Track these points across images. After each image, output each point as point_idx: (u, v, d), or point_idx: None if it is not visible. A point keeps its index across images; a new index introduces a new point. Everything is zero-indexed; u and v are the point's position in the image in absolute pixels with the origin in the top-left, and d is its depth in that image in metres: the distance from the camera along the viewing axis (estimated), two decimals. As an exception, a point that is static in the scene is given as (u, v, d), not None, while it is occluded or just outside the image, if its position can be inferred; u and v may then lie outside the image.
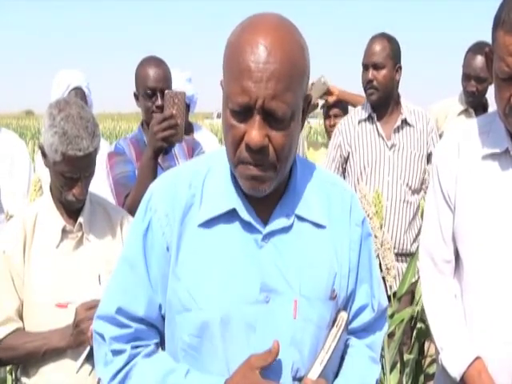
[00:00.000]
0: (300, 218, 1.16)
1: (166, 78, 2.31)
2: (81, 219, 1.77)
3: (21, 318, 1.75)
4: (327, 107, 3.62)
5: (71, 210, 1.78)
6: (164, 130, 1.96)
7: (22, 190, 2.74)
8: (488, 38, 1.46)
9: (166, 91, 2.01)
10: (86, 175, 1.71)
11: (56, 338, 1.67)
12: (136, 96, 2.39)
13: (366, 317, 1.26)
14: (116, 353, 1.15)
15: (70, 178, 1.69)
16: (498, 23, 1.38)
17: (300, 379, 1.12)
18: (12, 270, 1.72)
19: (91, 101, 3.26)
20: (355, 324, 1.25)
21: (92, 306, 1.62)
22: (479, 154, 1.52)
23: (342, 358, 1.24)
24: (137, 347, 1.16)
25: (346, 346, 1.25)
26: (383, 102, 2.88)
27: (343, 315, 1.18)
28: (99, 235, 1.81)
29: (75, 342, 1.67)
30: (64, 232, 1.76)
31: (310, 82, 3.51)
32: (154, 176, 2.02)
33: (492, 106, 2.89)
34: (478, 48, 3.15)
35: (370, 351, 1.27)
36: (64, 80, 3.17)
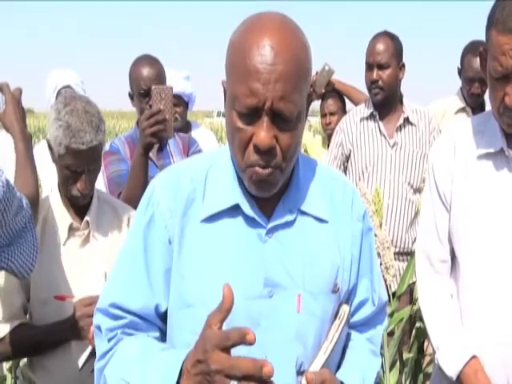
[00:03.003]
0: (302, 213, 1.16)
1: (159, 77, 2.30)
2: (87, 217, 1.79)
3: (26, 314, 1.77)
4: (321, 98, 3.62)
5: (78, 207, 1.80)
6: (152, 125, 1.96)
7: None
8: (479, 36, 1.47)
9: (153, 87, 2.00)
10: (90, 169, 1.72)
11: (59, 329, 1.69)
12: (131, 96, 2.38)
13: (366, 311, 1.27)
14: (110, 339, 1.14)
15: (74, 171, 1.70)
16: (492, 23, 1.38)
17: (304, 373, 1.12)
18: None
19: None
20: (356, 318, 1.26)
21: (91, 302, 1.64)
22: (474, 154, 1.52)
23: (344, 352, 1.24)
24: (129, 334, 1.14)
25: (347, 340, 1.26)
26: (388, 101, 2.89)
27: (345, 308, 1.19)
28: (106, 233, 1.82)
29: (76, 336, 1.68)
30: (71, 229, 1.78)
31: (314, 72, 3.52)
32: (146, 173, 2.04)
33: (489, 105, 2.89)
34: (475, 49, 3.13)
35: (370, 345, 1.28)
36: (52, 80, 3.16)
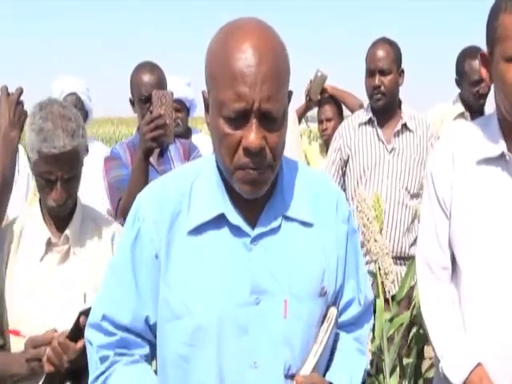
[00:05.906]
0: (288, 218, 1.17)
1: (160, 84, 2.31)
2: (67, 231, 1.67)
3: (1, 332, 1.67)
4: (318, 104, 3.65)
5: (59, 221, 1.68)
6: (152, 130, 1.96)
7: (19, 195, 2.72)
8: (476, 43, 1.48)
9: (154, 91, 2.00)
10: (65, 178, 1.59)
11: (16, 363, 1.56)
12: (132, 102, 2.40)
13: (353, 311, 1.28)
14: (102, 360, 1.17)
15: (48, 180, 1.59)
16: (500, 10, 1.39)
17: (292, 376, 1.13)
18: None
19: (89, 107, 3.25)
20: (343, 318, 1.27)
21: (41, 343, 1.52)
22: (474, 159, 1.51)
23: (332, 353, 1.25)
24: (121, 354, 1.17)
25: (335, 341, 1.27)
26: (388, 107, 2.91)
27: (333, 311, 1.20)
28: (87, 250, 1.69)
29: (31, 373, 1.56)
30: (49, 244, 1.67)
31: (309, 79, 3.56)
32: (146, 178, 2.03)
33: (488, 111, 2.90)
34: (472, 53, 3.17)
35: (357, 344, 1.30)
36: (58, 85, 3.17)
